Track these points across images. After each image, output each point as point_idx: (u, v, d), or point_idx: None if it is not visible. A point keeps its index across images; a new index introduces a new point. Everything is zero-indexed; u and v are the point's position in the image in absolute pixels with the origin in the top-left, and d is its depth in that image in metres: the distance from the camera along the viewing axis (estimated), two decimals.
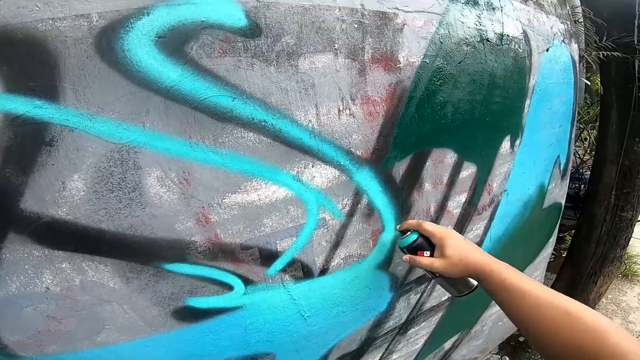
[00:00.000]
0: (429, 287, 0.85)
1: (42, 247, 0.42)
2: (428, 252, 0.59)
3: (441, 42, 0.64)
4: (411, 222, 0.63)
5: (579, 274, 1.69)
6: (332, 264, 0.62)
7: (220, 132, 0.46)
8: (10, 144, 0.38)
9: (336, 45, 0.52)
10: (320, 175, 0.54)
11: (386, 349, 0.87)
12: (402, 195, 0.65)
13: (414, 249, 0.60)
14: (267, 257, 0.54)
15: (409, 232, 0.61)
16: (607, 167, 1.52)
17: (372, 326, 0.77)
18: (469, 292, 0.61)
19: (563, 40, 1.06)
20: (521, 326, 0.47)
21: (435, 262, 0.57)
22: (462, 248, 0.56)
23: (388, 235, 0.66)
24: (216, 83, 0.44)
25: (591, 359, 0.38)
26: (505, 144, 0.82)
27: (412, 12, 0.60)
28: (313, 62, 0.50)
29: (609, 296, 1.97)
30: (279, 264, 0.56)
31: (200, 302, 0.53)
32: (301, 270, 0.58)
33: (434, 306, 0.90)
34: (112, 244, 0.44)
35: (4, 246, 0.41)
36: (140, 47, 0.41)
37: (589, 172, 1.76)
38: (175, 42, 0.42)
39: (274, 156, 0.50)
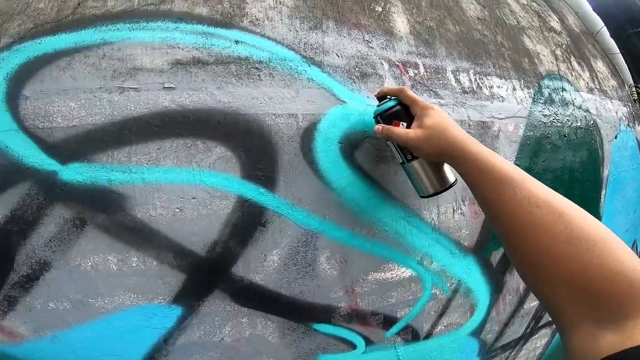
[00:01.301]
0: (512, 353, 0.97)
1: (234, 304, 0.58)
2: (405, 124, 0.55)
3: (528, 144, 0.82)
4: (392, 87, 0.60)
5: None
6: (436, 330, 0.76)
7: (372, 225, 0.64)
8: (238, 221, 0.56)
9: None
10: (437, 260, 0.71)
11: None
12: (496, 276, 0.81)
13: (388, 117, 0.56)
14: (389, 322, 0.69)
15: (387, 99, 0.58)
16: None
17: None
18: (442, 189, 0.56)
19: (628, 124, 1.23)
20: (504, 227, 0.41)
21: (410, 133, 0.52)
22: (445, 121, 0.51)
23: (482, 307, 0.81)
24: (373, 185, 0.63)
25: (588, 279, 0.33)
26: None
27: (504, 118, 0.79)
28: None
29: None
30: (395, 328, 0.70)
31: (329, 358, 0.67)
32: (410, 334, 0.73)
33: None
34: (284, 305, 0.60)
35: (206, 300, 0.58)
36: (327, 150, 0.60)
37: None
38: (348, 148, 0.61)
39: (406, 245, 0.67)
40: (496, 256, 0.80)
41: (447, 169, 0.57)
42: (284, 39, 0.63)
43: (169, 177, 0.53)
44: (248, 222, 0.56)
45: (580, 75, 1.09)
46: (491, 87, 0.78)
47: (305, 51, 0.63)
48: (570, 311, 0.34)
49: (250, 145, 0.56)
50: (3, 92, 0.52)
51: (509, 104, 0.81)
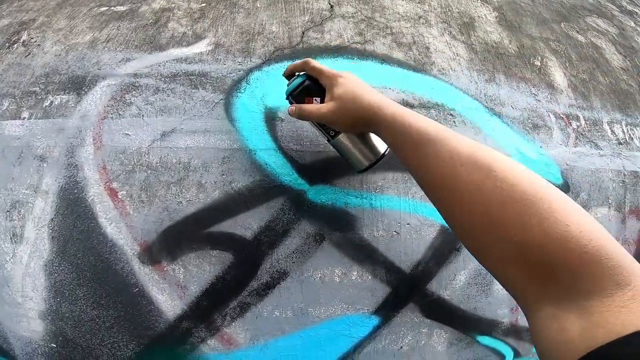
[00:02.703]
0: None
1: (421, 316, 0.71)
2: (319, 99, 0.54)
3: None
4: (296, 62, 0.57)
5: None
6: None
7: None
8: (438, 245, 0.68)
9: (609, 199, 0.81)
10: None
11: None
12: None
13: (299, 95, 0.55)
14: None
15: (295, 76, 0.57)
16: None
17: None
18: (376, 160, 0.55)
19: None
20: (432, 191, 0.40)
21: (322, 107, 0.51)
22: (356, 88, 0.49)
23: None
24: None
25: (533, 247, 0.30)
26: None
27: None
28: (596, 213, 0.80)
29: None
30: None
31: None
32: None
33: None
34: (460, 318, 0.73)
35: (401, 312, 0.70)
36: None
37: None
38: None
39: None
40: None
41: (376, 139, 0.56)
42: (468, 89, 0.75)
43: (391, 205, 0.65)
44: (446, 247, 0.69)
45: None
46: None
47: (487, 102, 0.75)
48: (526, 289, 0.31)
49: None
50: (262, 113, 0.64)
51: None
